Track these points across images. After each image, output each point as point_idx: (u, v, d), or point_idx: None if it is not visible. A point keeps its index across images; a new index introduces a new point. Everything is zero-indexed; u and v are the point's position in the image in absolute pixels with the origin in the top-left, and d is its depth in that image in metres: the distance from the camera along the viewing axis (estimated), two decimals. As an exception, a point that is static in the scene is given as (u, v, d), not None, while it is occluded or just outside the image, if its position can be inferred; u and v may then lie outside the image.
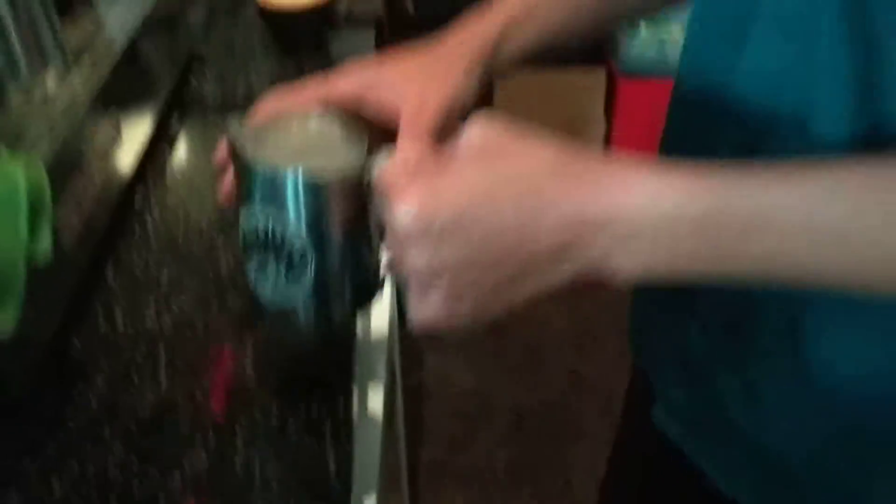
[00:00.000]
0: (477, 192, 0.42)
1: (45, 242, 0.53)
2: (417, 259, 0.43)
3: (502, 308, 0.45)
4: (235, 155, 0.51)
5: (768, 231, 0.39)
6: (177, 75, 0.97)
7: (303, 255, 0.50)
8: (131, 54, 0.83)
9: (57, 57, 0.70)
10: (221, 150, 0.55)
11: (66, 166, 0.67)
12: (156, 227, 0.75)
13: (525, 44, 0.58)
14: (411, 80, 0.54)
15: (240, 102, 0.98)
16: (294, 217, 0.49)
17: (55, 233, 0.56)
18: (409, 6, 1.39)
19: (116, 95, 0.80)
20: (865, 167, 0.39)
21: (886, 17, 0.41)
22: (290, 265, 0.51)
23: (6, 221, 0.50)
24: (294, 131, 0.53)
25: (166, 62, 0.98)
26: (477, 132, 0.44)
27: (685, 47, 0.57)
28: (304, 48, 1.07)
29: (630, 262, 0.41)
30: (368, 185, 0.48)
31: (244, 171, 0.50)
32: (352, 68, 0.56)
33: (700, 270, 0.41)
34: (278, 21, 1.06)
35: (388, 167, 0.45)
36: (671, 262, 0.41)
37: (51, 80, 0.69)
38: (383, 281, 0.55)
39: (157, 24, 1.00)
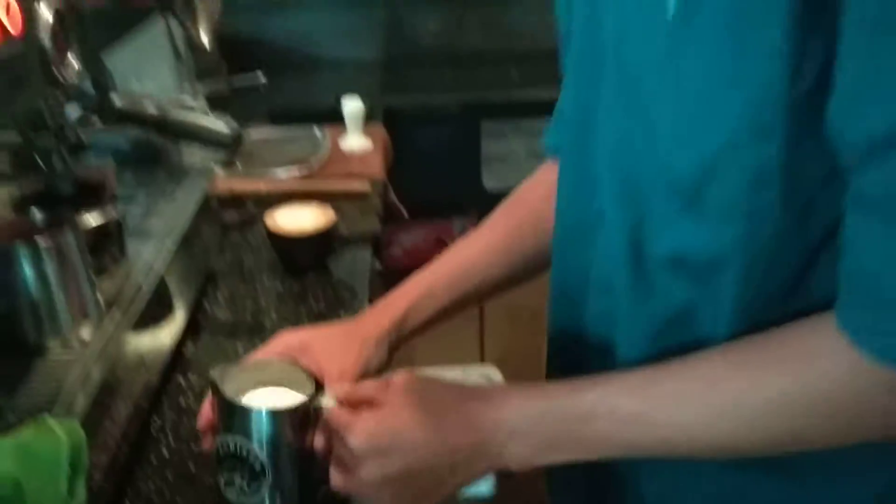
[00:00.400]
0: (406, 421, 0.62)
1: (80, 496, 0.62)
2: (370, 473, 0.62)
3: (441, 498, 0.64)
4: (215, 391, 0.69)
5: (594, 419, 0.59)
6: (193, 298, 1.09)
7: (262, 470, 0.67)
8: (156, 292, 0.95)
9: (94, 311, 0.81)
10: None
11: (99, 411, 0.77)
12: (171, 455, 0.84)
13: (426, 318, 0.80)
14: (332, 353, 0.74)
15: (248, 322, 1.09)
16: (256, 442, 0.67)
17: (88, 479, 0.66)
18: (404, 214, 1.53)
19: (142, 330, 0.91)
20: (648, 369, 0.60)
21: (667, 285, 0.61)
22: (252, 477, 0.68)
23: (49, 482, 0.60)
24: (259, 373, 0.72)
25: (184, 285, 1.10)
26: (401, 379, 0.65)
27: (549, 299, 0.77)
28: (307, 268, 1.19)
29: (518, 455, 0.61)
30: (315, 415, 0.67)
31: (221, 405, 0.69)
32: (283, 336, 0.77)
33: (568, 454, 0.60)
34: (284, 244, 1.19)
35: (337, 409, 0.65)
36: (547, 451, 0.61)
37: (86, 331, 0.80)
38: (328, 486, 0.70)
39: (177, 248, 1.13)
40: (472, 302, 0.82)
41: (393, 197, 1.57)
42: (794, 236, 0.55)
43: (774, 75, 0.50)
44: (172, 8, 1.43)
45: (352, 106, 1.62)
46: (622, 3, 0.59)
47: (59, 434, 0.62)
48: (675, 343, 0.61)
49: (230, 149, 1.00)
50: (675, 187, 0.57)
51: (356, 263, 1.23)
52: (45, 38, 0.80)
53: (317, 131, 1.66)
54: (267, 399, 0.69)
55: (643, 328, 0.63)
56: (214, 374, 0.70)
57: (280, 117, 1.82)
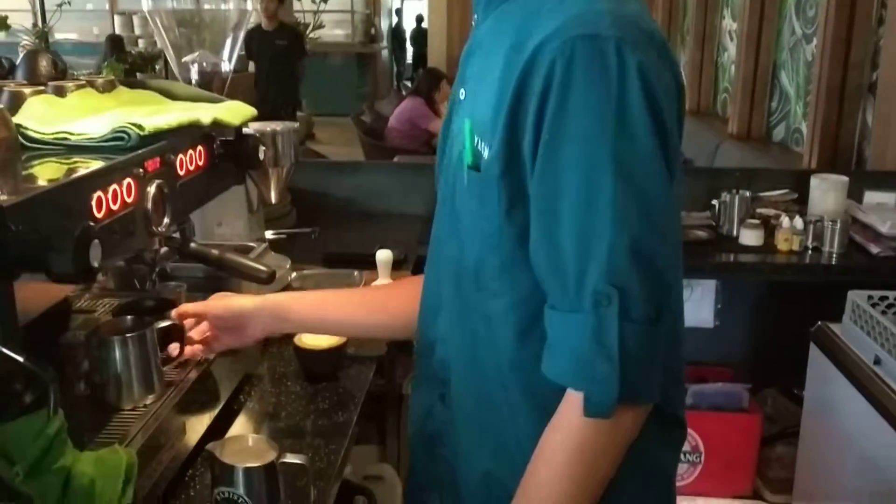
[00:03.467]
0: None
1: (129, 497, 0.98)
2: None
3: None
4: (213, 458, 1.10)
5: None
6: (232, 390, 1.47)
7: None
8: (204, 382, 1.34)
9: (158, 387, 1.20)
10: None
11: (149, 453, 1.14)
12: (195, 494, 1.20)
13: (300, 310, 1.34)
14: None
15: (269, 412, 1.45)
16: (243, 488, 1.09)
17: (135, 492, 1.02)
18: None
19: (189, 407, 1.29)
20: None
21: None
22: None
23: (112, 484, 0.96)
24: (241, 446, 1.14)
25: (226, 381, 1.48)
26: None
27: (415, 344, 1.24)
28: (321, 377, 1.56)
29: None
30: (275, 470, 1.10)
31: (215, 467, 1.10)
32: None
33: None
34: (304, 355, 1.57)
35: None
36: None
37: (150, 400, 1.19)
38: None
39: (224, 353, 1.51)
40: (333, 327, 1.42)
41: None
42: (524, 299, 1.01)
43: (495, 220, 0.98)
44: (251, 175, 1.88)
45: (382, 255, 2.03)
46: (450, 176, 1.06)
47: (121, 455, 0.99)
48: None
49: (265, 283, 1.40)
50: (471, 275, 1.03)
51: (360, 377, 1.59)
52: (149, 204, 1.22)
53: (356, 274, 2.07)
54: (246, 462, 1.10)
55: (465, 361, 1.08)
56: (211, 446, 1.12)
57: (331, 261, 2.24)
